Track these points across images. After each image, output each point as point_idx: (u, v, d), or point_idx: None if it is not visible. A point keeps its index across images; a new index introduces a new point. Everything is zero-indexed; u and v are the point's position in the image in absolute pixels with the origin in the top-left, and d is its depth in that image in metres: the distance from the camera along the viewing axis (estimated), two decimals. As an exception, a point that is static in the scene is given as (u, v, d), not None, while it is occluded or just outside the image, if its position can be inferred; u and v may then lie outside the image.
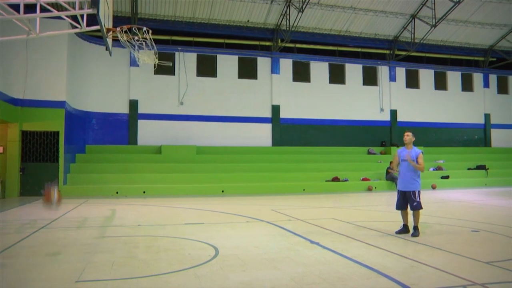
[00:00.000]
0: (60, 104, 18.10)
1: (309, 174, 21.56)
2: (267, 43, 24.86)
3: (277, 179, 20.72)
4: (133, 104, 22.35)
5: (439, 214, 11.78)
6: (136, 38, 10.90)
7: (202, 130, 23.09)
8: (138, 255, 6.77)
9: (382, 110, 26.46)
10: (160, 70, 23.11)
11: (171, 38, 23.62)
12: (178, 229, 9.30)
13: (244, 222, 10.38)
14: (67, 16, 10.43)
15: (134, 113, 22.30)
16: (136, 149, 21.67)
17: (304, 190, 20.27)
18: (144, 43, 11.44)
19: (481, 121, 28.83)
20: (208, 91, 23.52)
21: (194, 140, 22.74)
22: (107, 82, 22.11)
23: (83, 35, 20.83)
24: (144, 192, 18.32)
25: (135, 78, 22.17)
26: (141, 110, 22.49)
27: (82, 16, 9.98)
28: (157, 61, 11.75)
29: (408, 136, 8.78)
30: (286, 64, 24.94)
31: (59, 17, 10.57)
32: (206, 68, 23.73)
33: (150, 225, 9.92)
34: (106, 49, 11.19)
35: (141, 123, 22.39)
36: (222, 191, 19.15)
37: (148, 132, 22.37)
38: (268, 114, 24.30)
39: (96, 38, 21.37)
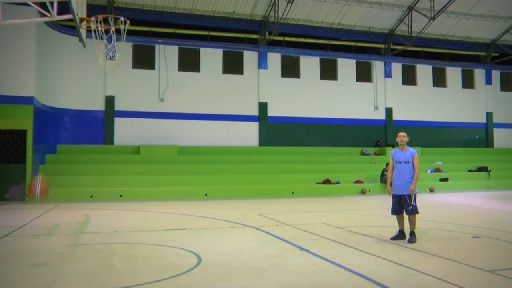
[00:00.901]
0: (28, 100, 17.85)
1: (298, 176, 21.61)
2: (254, 36, 24.87)
3: (264, 182, 20.77)
4: (110, 101, 22.18)
5: (437, 219, 11.85)
6: (112, 29, 10.79)
7: (184, 129, 23.02)
8: (114, 265, 6.70)
9: (376, 108, 26.64)
10: (139, 64, 23.00)
11: (151, 30, 23.49)
12: (158, 236, 9.25)
13: (229, 228, 10.39)
14: (35, 3, 10.22)
15: (110, 110, 22.14)
16: (112, 149, 21.52)
17: (293, 193, 20.33)
18: (121, 34, 11.34)
19: (483, 120, 29.16)
20: (190, 87, 23.44)
21: (176, 140, 22.66)
22: (81, 76, 21.90)
23: (53, 25, 20.57)
24: (121, 195, 18.20)
25: (111, 72, 21.88)
26: (118, 107, 22.34)
27: (52, 3, 9.79)
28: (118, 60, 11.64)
29: (404, 137, 8.82)
30: (274, 59, 24.97)
31: (26, 4, 10.38)
32: (189, 62, 23.66)
33: (128, 232, 9.84)
34: (80, 41, 11.06)
35: (118, 121, 22.24)
36: (206, 195, 19.12)
37: (125, 131, 22.23)
38: (254, 112, 24.32)
39: (69, 28, 21.14)
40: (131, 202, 16.93)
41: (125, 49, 21.35)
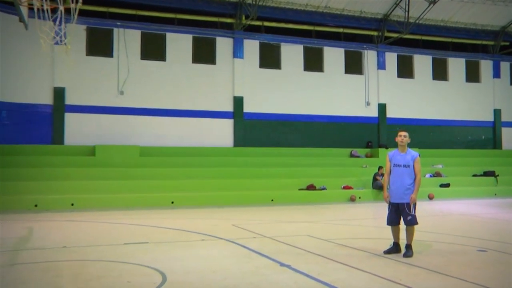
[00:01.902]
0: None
1: (278, 181, 21.73)
2: (229, 20, 24.82)
3: (239, 188, 20.80)
4: (59, 93, 21.90)
5: (438, 230, 11.95)
6: (61, 8, 10.59)
7: (147, 127, 22.87)
8: (62, 286, 6.57)
9: (368, 104, 26.89)
10: (94, 50, 22.73)
11: (108, 10, 23.24)
12: (116, 251, 9.17)
13: (199, 241, 10.40)
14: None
15: (59, 105, 21.86)
16: (62, 150, 21.25)
17: (272, 200, 20.39)
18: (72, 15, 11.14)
19: (490, 118, 29.65)
20: (154, 78, 23.30)
21: (137, 139, 22.52)
22: (24, 64, 21.49)
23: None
24: (72, 204, 17.99)
25: (61, 60, 21.32)
26: (69, 100, 22.08)
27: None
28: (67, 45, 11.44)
29: (405, 138, 8.87)
30: (252, 47, 25.00)
31: None
32: (153, 50, 23.51)
33: (79, 247, 9.71)
34: (20, 21, 10.78)
35: (69, 117, 21.98)
36: (172, 202, 19.04)
37: (78, 129, 22.00)
38: (229, 107, 24.35)
39: (7, 4, 20.59)
40: (84, 211, 16.76)
41: (77, 33, 20.95)
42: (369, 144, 26.58)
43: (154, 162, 21.63)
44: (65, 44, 12.06)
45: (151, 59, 23.40)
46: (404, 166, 8.74)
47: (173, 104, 23.49)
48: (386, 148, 24.60)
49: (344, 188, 22.11)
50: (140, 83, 23.03)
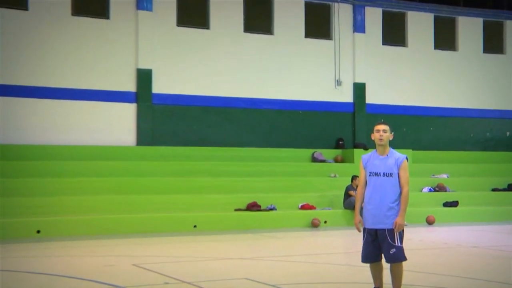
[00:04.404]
0: None
1: (205, 198, 21.69)
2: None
3: (145, 208, 20.62)
4: None
5: (440, 270, 11.94)
6: None
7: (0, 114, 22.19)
8: None
9: (339, 84, 27.05)
10: None
11: None
12: None
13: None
14: None
15: None
16: None
17: (195, 227, 20.30)
18: None
19: (518, 106, 30.27)
20: (11, 38, 22.67)
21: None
22: None
23: None
24: None
25: None
26: None
27: None
28: None
29: (385, 133, 8.72)
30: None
31: None
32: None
33: None
34: None
35: None
36: (38, 232, 18.55)
37: None
38: (130, 86, 24.11)
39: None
40: None
41: None
42: (340, 143, 26.68)
43: (11, 168, 21.01)
44: None
45: (5, 6, 22.63)
46: (385, 174, 8.64)
47: (40, 78, 22.96)
48: (365, 149, 24.73)
49: (303, 208, 22.05)
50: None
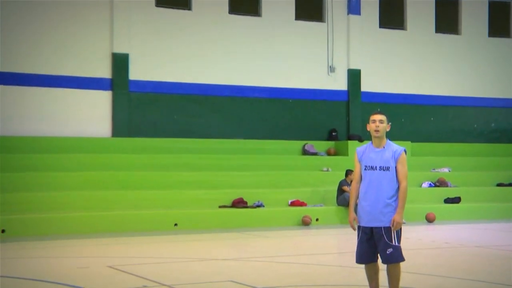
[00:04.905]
0: None
1: (186, 194, 21.79)
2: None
3: (120, 204, 20.70)
4: None
5: (441, 272, 11.96)
6: None
7: None
8: None
9: (332, 70, 27.08)
10: None
11: None
12: None
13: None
14: None
15: None
16: None
17: (176, 225, 20.30)
18: None
19: (527, 94, 30.34)
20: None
21: None
22: None
23: None
24: None
25: None
26: None
27: None
28: None
29: (382, 124, 8.67)
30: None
31: None
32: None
33: None
34: None
35: None
36: (3, 231, 18.41)
37: None
38: (104, 72, 24.07)
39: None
40: None
41: None
42: (333, 134, 26.75)
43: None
44: None
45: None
46: (381, 168, 8.61)
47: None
48: (360, 141, 24.80)
49: (293, 204, 22.14)
50: None
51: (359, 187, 8.73)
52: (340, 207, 21.95)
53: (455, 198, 24.23)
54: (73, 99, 23.60)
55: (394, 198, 8.52)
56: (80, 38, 23.73)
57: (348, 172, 21.88)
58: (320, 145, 26.10)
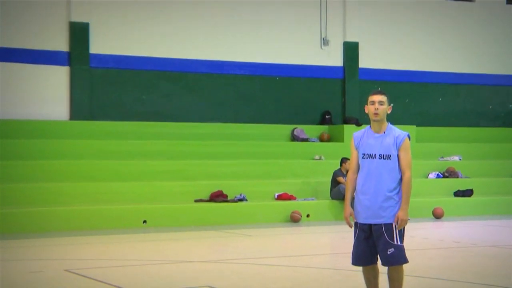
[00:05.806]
0: None
1: (157, 186, 21.92)
2: None
3: (79, 197, 20.75)
4: None
5: (448, 275, 12.03)
6: None
7: None
8: None
9: (325, 43, 27.13)
10: None
11: None
12: None
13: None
14: None
15: None
16: None
17: (145, 222, 20.34)
18: None
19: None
20: None
21: None
22: None
23: None
24: None
25: None
26: None
27: None
28: None
29: (382, 106, 8.61)
30: None
31: None
32: None
33: None
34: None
35: None
36: None
37: None
38: (61, 44, 24.08)
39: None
40: None
41: None
42: (327, 117, 26.87)
43: None
44: None
45: None
46: (381, 157, 8.61)
47: None
48: (358, 124, 25.18)
49: (280, 198, 22.23)
50: None
51: (356, 178, 8.72)
52: (334, 201, 22.05)
53: (466, 190, 24.31)
54: (24, 75, 23.54)
55: (396, 190, 8.51)
56: (31, 4, 23.65)
57: (344, 161, 22.09)
58: (312, 130, 26.21)
